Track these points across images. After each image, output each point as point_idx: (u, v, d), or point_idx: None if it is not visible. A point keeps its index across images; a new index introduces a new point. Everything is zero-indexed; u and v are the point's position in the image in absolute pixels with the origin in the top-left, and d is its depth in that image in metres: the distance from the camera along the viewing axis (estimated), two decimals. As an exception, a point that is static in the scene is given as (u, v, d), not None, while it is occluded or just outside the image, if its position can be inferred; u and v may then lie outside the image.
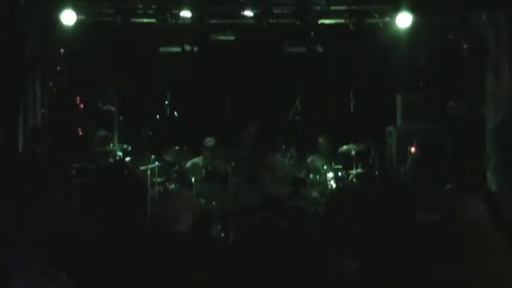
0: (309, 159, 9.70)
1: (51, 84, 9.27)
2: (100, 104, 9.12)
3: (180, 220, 4.00)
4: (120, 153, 8.78)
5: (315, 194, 9.23)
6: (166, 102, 9.54)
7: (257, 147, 8.51)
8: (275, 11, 9.43)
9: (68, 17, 8.91)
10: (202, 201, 8.89)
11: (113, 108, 8.58)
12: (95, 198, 6.82)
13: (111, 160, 8.17)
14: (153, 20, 9.32)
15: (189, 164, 9.39)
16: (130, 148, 8.45)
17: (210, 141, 9.45)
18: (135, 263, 3.79)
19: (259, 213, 5.03)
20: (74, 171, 8.03)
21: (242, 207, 8.30)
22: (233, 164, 8.83)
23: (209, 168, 9.14)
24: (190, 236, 4.03)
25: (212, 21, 9.49)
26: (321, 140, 9.83)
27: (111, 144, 8.40)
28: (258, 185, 8.49)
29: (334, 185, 9.31)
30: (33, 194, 6.27)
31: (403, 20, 9.24)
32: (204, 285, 3.73)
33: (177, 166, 9.23)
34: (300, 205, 8.61)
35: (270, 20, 9.31)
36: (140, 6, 9.38)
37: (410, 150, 9.61)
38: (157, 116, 9.69)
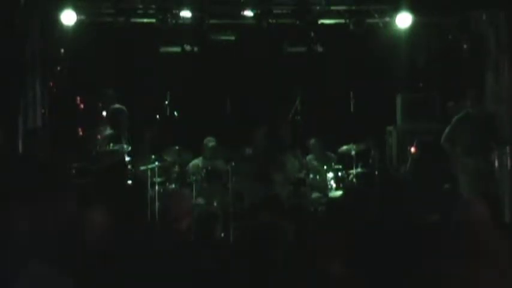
0: (307, 159, 9.71)
1: (51, 84, 9.26)
2: (100, 104, 9.10)
3: (182, 220, 3.99)
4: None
5: (315, 194, 9.24)
6: (166, 102, 9.53)
7: (269, 147, 8.53)
8: (275, 11, 9.44)
9: (68, 17, 8.91)
10: (202, 201, 8.91)
11: (123, 107, 8.51)
12: (95, 198, 6.82)
13: (114, 160, 8.13)
14: (153, 20, 9.32)
15: (189, 166, 9.39)
16: (130, 148, 8.42)
17: (210, 141, 9.45)
18: (137, 263, 3.79)
19: (263, 212, 5.05)
20: (73, 172, 8.02)
21: (250, 207, 8.30)
22: (233, 164, 8.83)
23: (209, 168, 9.14)
24: (191, 235, 4.03)
25: (212, 21, 9.48)
26: (312, 142, 9.85)
27: (111, 144, 8.36)
28: (269, 185, 8.48)
29: (334, 185, 9.31)
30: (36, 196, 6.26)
31: (403, 20, 9.24)
32: (205, 285, 3.73)
33: (177, 166, 9.23)
34: (302, 205, 8.62)
35: (270, 20, 9.31)
36: (140, 6, 9.38)
37: (410, 150, 9.61)
38: (157, 116, 9.68)
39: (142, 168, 8.67)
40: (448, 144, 8.22)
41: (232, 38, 10.02)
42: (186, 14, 9.24)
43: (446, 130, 8.27)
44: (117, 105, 8.59)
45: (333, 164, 9.56)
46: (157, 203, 8.64)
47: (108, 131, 8.47)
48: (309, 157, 9.79)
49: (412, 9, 9.15)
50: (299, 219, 5.42)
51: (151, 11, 9.39)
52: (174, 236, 4.03)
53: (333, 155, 9.80)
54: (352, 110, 10.05)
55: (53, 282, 2.62)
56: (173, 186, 9.07)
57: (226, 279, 3.66)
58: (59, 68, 9.45)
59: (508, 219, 8.15)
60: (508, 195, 8.72)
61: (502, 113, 8.94)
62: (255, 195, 8.28)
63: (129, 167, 8.45)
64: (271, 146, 8.50)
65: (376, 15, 9.54)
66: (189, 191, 9.03)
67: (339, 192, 9.03)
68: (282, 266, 3.60)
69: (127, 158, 8.27)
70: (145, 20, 9.46)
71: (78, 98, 9.57)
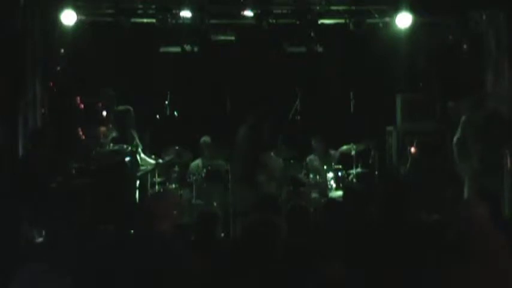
0: (307, 159, 9.71)
1: (51, 84, 9.26)
2: (100, 104, 9.08)
3: (160, 220, 3.95)
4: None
5: (314, 194, 9.23)
6: (166, 102, 9.53)
7: (249, 147, 8.52)
8: (275, 11, 9.43)
9: (68, 17, 8.90)
10: (202, 201, 8.91)
11: (129, 108, 8.48)
12: (94, 198, 6.80)
13: (114, 160, 8.12)
14: (153, 20, 9.32)
15: (191, 167, 9.39)
16: (130, 148, 8.41)
17: (205, 139, 9.49)
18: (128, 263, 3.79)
19: (256, 213, 5.03)
20: (73, 172, 8.02)
21: (238, 208, 8.31)
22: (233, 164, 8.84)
23: (209, 168, 9.15)
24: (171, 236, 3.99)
25: (212, 21, 9.49)
26: (314, 141, 9.86)
27: (111, 144, 8.35)
28: (254, 185, 8.49)
29: (334, 185, 9.31)
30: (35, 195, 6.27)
31: (403, 20, 9.23)
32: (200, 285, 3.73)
33: (177, 166, 9.23)
34: (302, 205, 8.60)
35: (270, 20, 9.30)
36: (140, 6, 9.37)
37: (410, 150, 9.61)
38: (157, 116, 9.68)
39: (142, 168, 8.66)
40: (459, 150, 8.22)
41: (232, 38, 10.01)
42: (186, 14, 9.24)
43: (456, 135, 8.25)
44: (121, 107, 8.53)
45: (333, 164, 9.56)
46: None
47: (113, 132, 8.46)
48: (310, 157, 9.79)
49: (412, 9, 9.14)
50: (298, 219, 5.42)
51: (151, 11, 9.38)
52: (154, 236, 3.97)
53: (333, 152, 9.81)
54: (352, 110, 10.05)
55: (51, 282, 2.63)
56: (173, 186, 9.08)
57: (226, 278, 3.66)
58: (58, 68, 9.44)
59: (508, 218, 8.14)
60: (508, 195, 8.71)
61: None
62: (243, 196, 8.30)
63: (142, 167, 8.46)
64: (252, 145, 8.50)
65: (376, 15, 9.53)
66: (189, 191, 9.05)
67: (339, 193, 9.03)
68: (278, 264, 3.59)
69: (127, 158, 8.26)
70: (145, 20, 9.45)
71: (78, 98, 9.56)
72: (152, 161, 8.67)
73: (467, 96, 8.56)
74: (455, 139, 8.27)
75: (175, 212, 4.16)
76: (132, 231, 4.38)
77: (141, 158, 8.44)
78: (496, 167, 8.33)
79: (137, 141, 8.45)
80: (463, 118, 8.23)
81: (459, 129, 8.23)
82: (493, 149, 8.23)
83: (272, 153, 8.98)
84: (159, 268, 3.71)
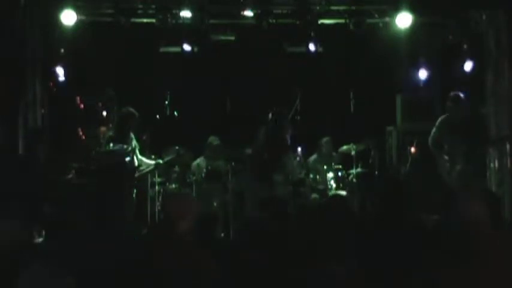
0: (310, 160, 9.70)
1: (51, 84, 9.26)
2: (100, 104, 9.09)
3: (183, 220, 3.98)
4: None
5: (314, 194, 9.22)
6: (166, 102, 9.53)
7: (269, 147, 8.51)
8: (275, 11, 9.43)
9: (68, 17, 8.90)
10: (202, 201, 8.90)
11: (134, 111, 8.45)
12: (94, 198, 6.81)
13: (114, 160, 8.11)
14: (153, 20, 9.32)
15: (193, 166, 9.39)
16: (130, 148, 8.42)
17: (214, 140, 9.46)
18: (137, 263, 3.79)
19: (259, 214, 5.04)
20: (73, 172, 8.02)
21: (251, 208, 8.27)
22: (233, 164, 8.83)
23: (209, 168, 9.14)
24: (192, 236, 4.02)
25: (212, 21, 9.49)
26: (323, 141, 9.82)
27: (111, 144, 8.35)
28: (271, 185, 8.46)
29: (334, 185, 9.31)
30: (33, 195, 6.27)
31: (403, 20, 9.23)
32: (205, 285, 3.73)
33: (177, 166, 9.23)
34: (302, 205, 8.60)
35: (270, 20, 9.30)
36: (140, 6, 9.37)
37: (410, 150, 9.61)
38: (157, 116, 9.68)
39: (142, 168, 8.67)
40: (436, 149, 8.29)
41: (232, 38, 10.01)
42: (186, 14, 9.23)
43: (432, 134, 8.34)
44: (125, 109, 8.49)
45: (333, 164, 9.56)
46: (157, 203, 8.66)
47: (110, 131, 8.46)
48: (314, 157, 9.77)
49: (412, 9, 9.13)
50: (298, 219, 5.42)
51: (151, 11, 9.37)
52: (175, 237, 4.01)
53: (335, 154, 9.80)
54: (352, 110, 10.05)
55: (51, 282, 2.63)
56: (173, 186, 9.07)
57: (226, 278, 3.66)
58: (58, 68, 9.44)
59: (508, 219, 8.15)
60: (508, 195, 8.72)
61: (488, 112, 9.03)
62: (255, 195, 8.27)
63: (142, 167, 8.46)
64: (272, 145, 8.49)
65: (376, 15, 9.53)
66: (189, 191, 9.04)
67: (340, 193, 9.01)
68: (278, 264, 3.60)
69: (127, 158, 8.26)
70: (145, 20, 9.45)
71: (78, 98, 9.56)
72: (151, 162, 8.67)
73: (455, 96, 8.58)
74: (430, 139, 8.32)
75: (194, 212, 4.17)
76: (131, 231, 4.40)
77: (138, 159, 8.44)
78: (481, 167, 8.38)
79: (135, 142, 8.45)
80: (441, 118, 8.29)
81: (435, 129, 8.28)
82: (477, 149, 8.26)
83: (290, 155, 8.97)
84: (158, 268, 3.71)
